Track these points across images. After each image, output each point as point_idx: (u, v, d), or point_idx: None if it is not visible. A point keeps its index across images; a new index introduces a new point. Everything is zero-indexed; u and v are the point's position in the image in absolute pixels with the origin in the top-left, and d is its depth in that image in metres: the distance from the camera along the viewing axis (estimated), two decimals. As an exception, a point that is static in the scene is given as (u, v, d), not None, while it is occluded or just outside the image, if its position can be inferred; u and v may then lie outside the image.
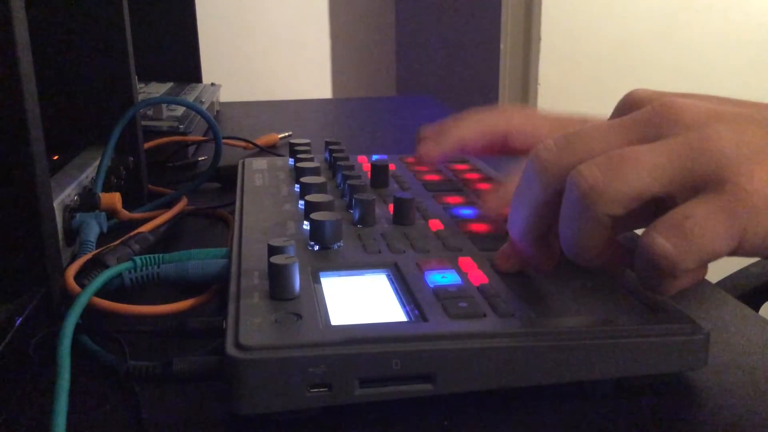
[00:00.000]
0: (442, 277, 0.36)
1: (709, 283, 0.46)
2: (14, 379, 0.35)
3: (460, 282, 0.36)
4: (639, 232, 0.31)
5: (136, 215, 0.57)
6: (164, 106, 0.83)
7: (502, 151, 0.56)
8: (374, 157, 0.61)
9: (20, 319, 0.36)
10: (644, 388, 0.33)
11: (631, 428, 0.31)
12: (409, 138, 0.58)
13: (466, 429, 0.31)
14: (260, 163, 0.61)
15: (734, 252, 0.29)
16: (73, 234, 0.48)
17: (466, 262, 0.38)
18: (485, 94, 1.65)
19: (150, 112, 0.82)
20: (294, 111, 1.21)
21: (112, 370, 0.35)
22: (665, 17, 1.55)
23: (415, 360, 0.30)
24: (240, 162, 0.60)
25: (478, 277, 0.37)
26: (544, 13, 1.50)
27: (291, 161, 0.59)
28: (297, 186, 0.51)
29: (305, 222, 0.43)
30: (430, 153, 0.53)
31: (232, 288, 0.35)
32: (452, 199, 0.51)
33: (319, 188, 0.47)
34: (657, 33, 1.55)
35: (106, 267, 0.42)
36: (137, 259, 0.41)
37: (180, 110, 0.86)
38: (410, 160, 0.61)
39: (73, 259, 0.46)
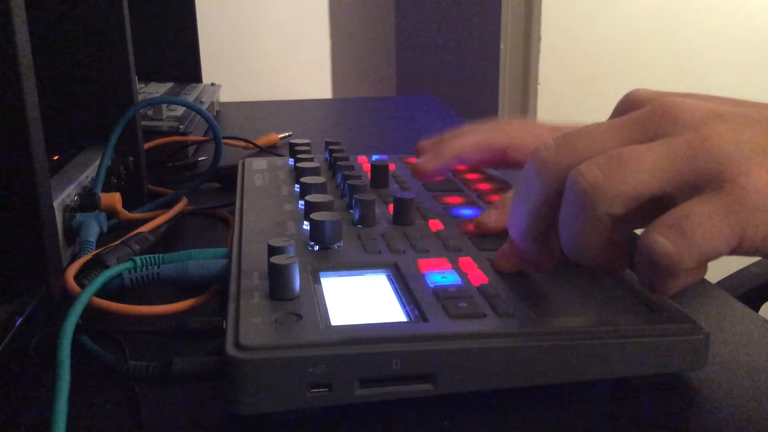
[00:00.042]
0: (442, 277, 0.36)
1: (709, 283, 0.46)
2: (14, 379, 0.35)
3: (460, 282, 0.36)
4: (639, 232, 0.31)
5: (136, 215, 0.57)
6: (164, 106, 0.82)
7: (502, 163, 0.56)
8: (374, 157, 0.61)
9: (20, 319, 0.36)
10: (644, 388, 0.33)
11: (631, 428, 0.31)
12: (409, 138, 0.58)
13: (466, 429, 0.31)
14: (260, 163, 0.61)
15: (734, 251, 0.29)
16: (73, 234, 0.48)
17: (466, 262, 0.38)
18: (485, 94, 1.65)
19: (150, 112, 0.82)
20: (294, 111, 1.21)
21: (112, 370, 0.35)
22: (665, 17, 1.55)
23: (415, 360, 0.30)
24: (240, 162, 0.60)
25: (478, 277, 0.37)
26: (544, 13, 1.50)
27: (291, 161, 0.59)
28: (297, 186, 0.51)
29: (305, 222, 0.43)
30: (429, 165, 0.54)
31: (232, 288, 0.35)
32: (452, 199, 0.51)
33: (319, 188, 0.47)
34: (657, 33, 1.55)
35: (106, 267, 0.42)
36: (137, 259, 0.41)
37: (180, 110, 0.86)
38: (410, 160, 0.61)
39: (73, 259, 0.46)
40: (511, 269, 0.37)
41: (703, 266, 0.30)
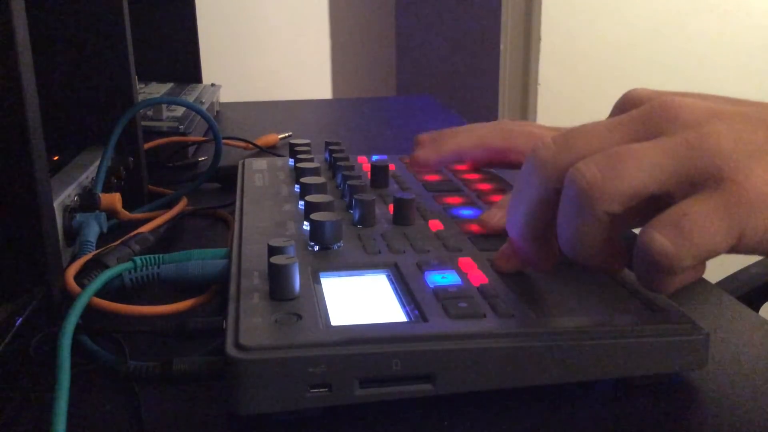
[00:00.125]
0: (442, 278, 0.36)
1: (709, 283, 0.46)
2: (14, 379, 0.35)
3: (460, 282, 0.36)
4: (637, 231, 0.31)
5: (136, 215, 0.57)
6: (164, 106, 0.83)
7: (501, 164, 0.56)
8: (374, 158, 0.61)
9: (20, 319, 0.36)
10: (644, 388, 0.33)
11: (631, 428, 0.31)
12: (410, 138, 0.58)
13: (466, 429, 0.31)
14: (260, 163, 0.61)
15: (732, 249, 0.29)
16: (73, 234, 0.48)
17: (466, 262, 0.38)
18: (485, 94, 1.65)
19: (150, 113, 0.82)
20: (294, 111, 1.21)
21: (112, 370, 0.35)
22: (665, 17, 1.55)
23: (415, 360, 0.30)
24: (240, 162, 0.60)
25: (478, 277, 0.37)
26: (544, 13, 1.50)
27: (291, 161, 0.59)
28: (297, 186, 0.51)
29: (305, 222, 0.43)
30: (427, 159, 0.53)
31: (232, 288, 0.35)
32: (452, 199, 0.51)
33: (319, 188, 0.47)
34: (657, 33, 1.55)
35: (106, 267, 0.42)
36: (137, 259, 0.41)
37: (180, 110, 0.86)
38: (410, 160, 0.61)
39: (73, 259, 0.46)
40: (511, 269, 0.37)
41: (701, 265, 0.30)
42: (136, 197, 0.63)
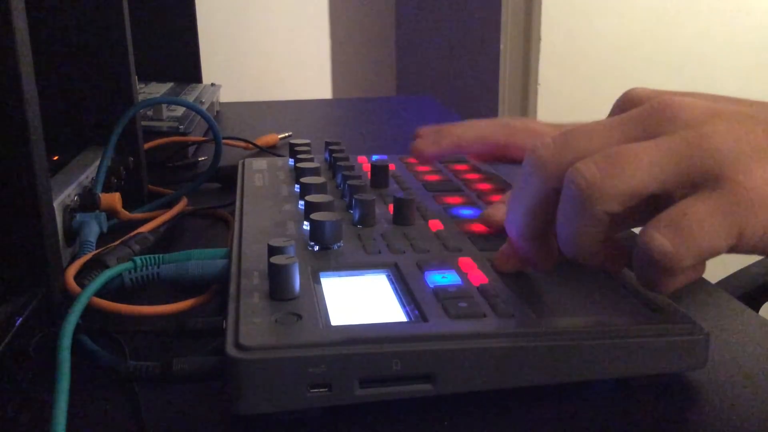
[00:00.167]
0: (442, 278, 0.36)
1: (709, 283, 0.46)
2: (14, 379, 0.35)
3: (460, 282, 0.36)
4: (637, 231, 0.31)
5: (136, 215, 0.57)
6: (164, 106, 0.82)
7: (501, 159, 0.56)
8: (374, 157, 0.61)
9: (20, 319, 0.36)
10: (644, 388, 0.33)
11: (631, 428, 0.31)
12: (409, 138, 0.58)
13: (466, 429, 0.31)
14: (260, 163, 0.61)
15: (732, 249, 0.29)
16: (73, 234, 0.48)
17: (466, 262, 0.38)
18: (485, 94, 1.65)
19: (150, 112, 0.82)
20: (294, 111, 1.21)
21: (112, 370, 0.35)
22: (665, 17, 1.55)
23: (415, 360, 0.30)
24: (240, 162, 0.60)
25: (478, 277, 0.37)
26: (544, 13, 1.50)
27: (291, 161, 0.59)
28: (297, 186, 0.51)
29: (305, 222, 0.43)
30: (428, 150, 0.53)
31: (232, 288, 0.35)
32: (452, 199, 0.51)
33: (319, 188, 0.47)
34: (657, 33, 1.55)
35: (106, 267, 0.42)
36: (137, 259, 0.41)
37: (180, 110, 0.86)
38: (410, 160, 0.61)
39: (73, 259, 0.46)
40: (511, 269, 0.37)
41: (701, 264, 0.30)
42: (136, 197, 0.63)
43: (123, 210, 0.54)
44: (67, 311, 0.35)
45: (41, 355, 0.36)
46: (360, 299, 0.36)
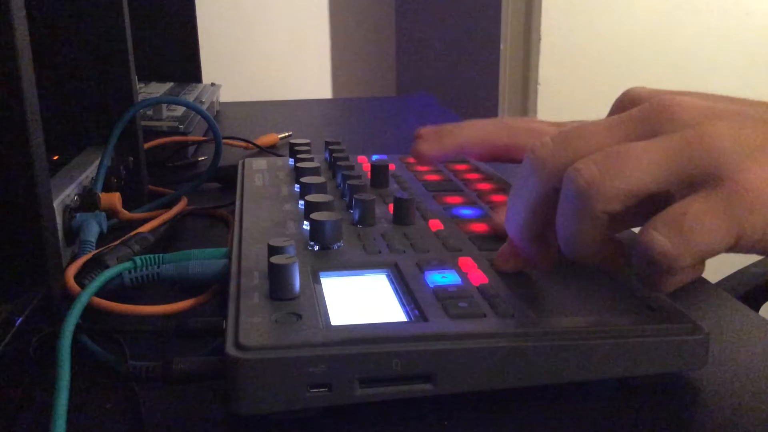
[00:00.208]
0: (442, 277, 0.36)
1: (709, 283, 0.46)
2: (14, 379, 0.35)
3: (460, 282, 0.36)
4: (637, 231, 0.31)
5: (136, 215, 0.57)
6: (164, 106, 0.83)
7: (502, 159, 0.56)
8: (374, 157, 0.61)
9: (20, 319, 0.36)
10: (644, 388, 0.33)
11: (631, 428, 0.31)
12: (410, 138, 0.58)
13: (466, 429, 0.31)
14: (260, 163, 0.61)
15: (732, 249, 0.29)
16: (73, 234, 0.48)
17: (466, 262, 0.38)
18: (485, 94, 1.65)
19: (150, 112, 0.82)
20: (294, 111, 1.21)
21: (112, 370, 0.35)
22: (665, 17, 1.55)
23: (415, 360, 0.30)
24: (240, 162, 0.60)
25: (478, 277, 0.37)
26: (544, 13, 1.50)
27: (291, 161, 0.59)
28: (297, 186, 0.51)
29: (305, 222, 0.43)
30: (428, 151, 0.53)
31: (232, 288, 0.35)
32: (452, 199, 0.51)
33: (319, 188, 0.47)
34: (657, 33, 1.55)
35: (106, 267, 0.42)
36: (137, 259, 0.41)
37: (180, 110, 0.86)
38: (410, 160, 0.61)
39: (73, 259, 0.46)
40: (511, 269, 0.37)
41: (700, 264, 0.30)
42: (136, 197, 0.63)
43: (123, 210, 0.54)
44: (67, 311, 0.35)
45: (41, 355, 0.36)
46: (360, 299, 0.36)
